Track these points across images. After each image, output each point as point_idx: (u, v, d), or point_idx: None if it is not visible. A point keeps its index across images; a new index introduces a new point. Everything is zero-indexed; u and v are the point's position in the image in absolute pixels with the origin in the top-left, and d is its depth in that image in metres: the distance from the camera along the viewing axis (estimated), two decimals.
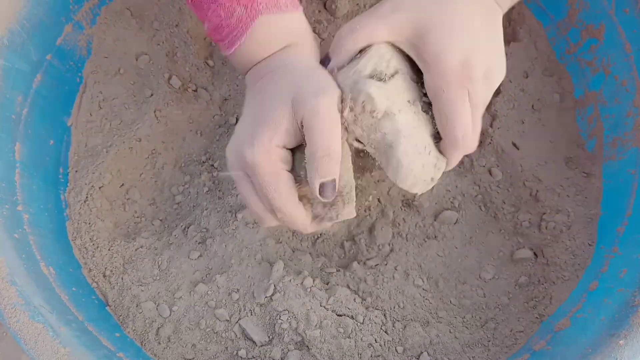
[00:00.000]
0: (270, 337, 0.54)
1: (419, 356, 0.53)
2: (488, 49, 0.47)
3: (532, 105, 0.65)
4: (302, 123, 0.44)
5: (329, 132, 0.44)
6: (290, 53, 0.48)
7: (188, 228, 0.60)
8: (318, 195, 0.45)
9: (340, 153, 0.45)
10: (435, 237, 0.59)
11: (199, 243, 0.59)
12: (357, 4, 0.68)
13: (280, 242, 0.59)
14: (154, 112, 0.64)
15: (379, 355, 0.53)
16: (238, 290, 0.56)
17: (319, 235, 0.60)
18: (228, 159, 0.48)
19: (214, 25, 0.48)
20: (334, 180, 0.45)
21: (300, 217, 0.47)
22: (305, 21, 0.50)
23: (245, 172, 0.47)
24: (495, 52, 0.48)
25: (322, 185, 0.45)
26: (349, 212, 0.48)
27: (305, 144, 0.45)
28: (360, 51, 0.48)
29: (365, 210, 0.61)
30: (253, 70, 0.50)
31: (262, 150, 0.45)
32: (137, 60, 0.66)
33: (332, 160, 0.44)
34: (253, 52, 0.48)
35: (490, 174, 0.61)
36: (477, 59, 0.46)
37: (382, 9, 0.48)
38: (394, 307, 0.55)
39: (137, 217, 0.61)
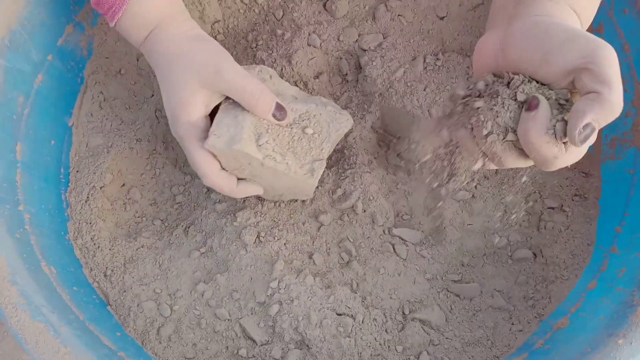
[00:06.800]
0: (271, 336, 0.54)
1: (418, 355, 0.53)
2: None
3: None
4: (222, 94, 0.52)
5: (252, 89, 0.50)
6: (176, 27, 0.53)
7: (189, 228, 0.60)
8: (275, 121, 0.52)
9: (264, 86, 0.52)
10: (434, 236, 0.59)
11: (200, 243, 0.59)
12: (357, 5, 0.68)
13: (281, 241, 0.59)
14: (155, 112, 0.65)
15: (378, 355, 0.53)
16: (238, 289, 0.56)
17: (321, 233, 0.60)
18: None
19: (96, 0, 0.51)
20: (276, 102, 0.51)
21: (224, 185, 0.53)
22: None
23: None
24: None
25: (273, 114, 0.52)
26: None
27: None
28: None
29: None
30: (148, 44, 0.53)
31: (183, 129, 0.51)
32: (137, 60, 0.66)
33: (264, 96, 0.51)
34: (136, 24, 0.52)
35: (488, 174, 0.62)
36: None
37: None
38: (394, 306, 0.56)
39: (138, 217, 0.62)
